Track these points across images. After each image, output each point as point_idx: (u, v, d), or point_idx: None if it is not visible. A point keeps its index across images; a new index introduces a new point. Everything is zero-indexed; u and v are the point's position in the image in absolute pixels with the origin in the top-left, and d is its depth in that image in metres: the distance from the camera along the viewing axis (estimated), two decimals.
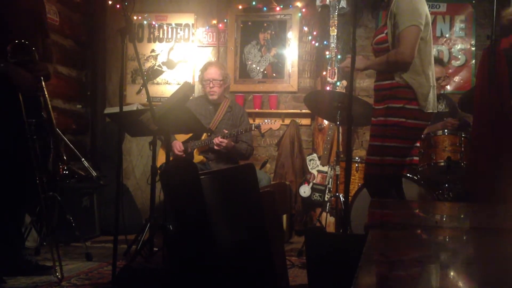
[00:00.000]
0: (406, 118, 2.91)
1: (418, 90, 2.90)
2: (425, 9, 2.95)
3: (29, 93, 3.04)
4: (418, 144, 3.20)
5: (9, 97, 2.98)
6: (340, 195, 3.92)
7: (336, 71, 4.65)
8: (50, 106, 3.13)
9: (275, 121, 4.37)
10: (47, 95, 3.10)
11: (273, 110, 5.20)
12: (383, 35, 3.01)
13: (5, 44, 2.98)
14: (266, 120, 4.40)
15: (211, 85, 4.47)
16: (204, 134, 4.35)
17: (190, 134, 4.39)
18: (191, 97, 5.02)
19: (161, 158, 4.33)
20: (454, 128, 4.18)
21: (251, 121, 4.84)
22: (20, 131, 2.97)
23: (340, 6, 4.65)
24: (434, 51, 5.02)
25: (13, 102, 2.97)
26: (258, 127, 4.23)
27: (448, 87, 5.05)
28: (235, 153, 4.41)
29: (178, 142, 4.36)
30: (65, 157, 3.28)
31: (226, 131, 4.27)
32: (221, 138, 4.22)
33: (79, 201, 4.45)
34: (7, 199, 3.12)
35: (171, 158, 4.15)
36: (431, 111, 2.96)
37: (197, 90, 5.31)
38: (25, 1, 3.23)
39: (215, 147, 4.26)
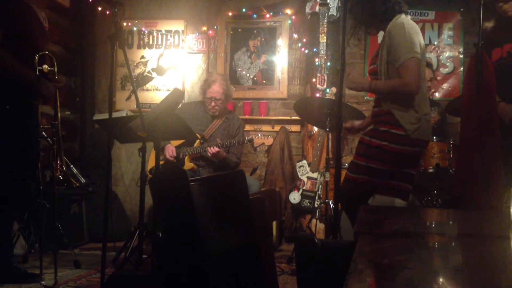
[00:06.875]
0: (389, 142, 2.86)
1: (402, 117, 2.85)
2: (420, 39, 2.89)
3: (48, 103, 3.30)
4: (413, 172, 2.99)
5: (28, 107, 3.16)
6: (330, 202, 3.93)
7: (325, 78, 4.67)
8: (59, 115, 3.35)
9: (268, 136, 4.38)
10: (58, 105, 3.36)
11: (263, 117, 5.21)
12: (374, 66, 2.98)
13: (29, 55, 3.15)
14: (259, 135, 4.40)
15: (212, 103, 4.44)
16: (197, 141, 4.34)
17: (183, 140, 4.37)
18: (185, 102, 5.02)
19: (152, 161, 4.29)
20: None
21: None
22: (31, 139, 3.17)
23: (330, 13, 4.68)
24: None
25: (31, 111, 3.17)
26: (251, 140, 4.23)
27: (437, 94, 5.09)
28: (224, 164, 4.40)
29: (172, 147, 4.33)
30: (64, 165, 3.36)
31: (220, 141, 4.26)
32: (215, 147, 4.20)
33: (67, 208, 4.42)
34: None
35: (161, 162, 4.14)
36: (423, 139, 2.90)
37: (187, 96, 5.31)
38: (37, 14, 3.37)
39: (209, 154, 4.23)
